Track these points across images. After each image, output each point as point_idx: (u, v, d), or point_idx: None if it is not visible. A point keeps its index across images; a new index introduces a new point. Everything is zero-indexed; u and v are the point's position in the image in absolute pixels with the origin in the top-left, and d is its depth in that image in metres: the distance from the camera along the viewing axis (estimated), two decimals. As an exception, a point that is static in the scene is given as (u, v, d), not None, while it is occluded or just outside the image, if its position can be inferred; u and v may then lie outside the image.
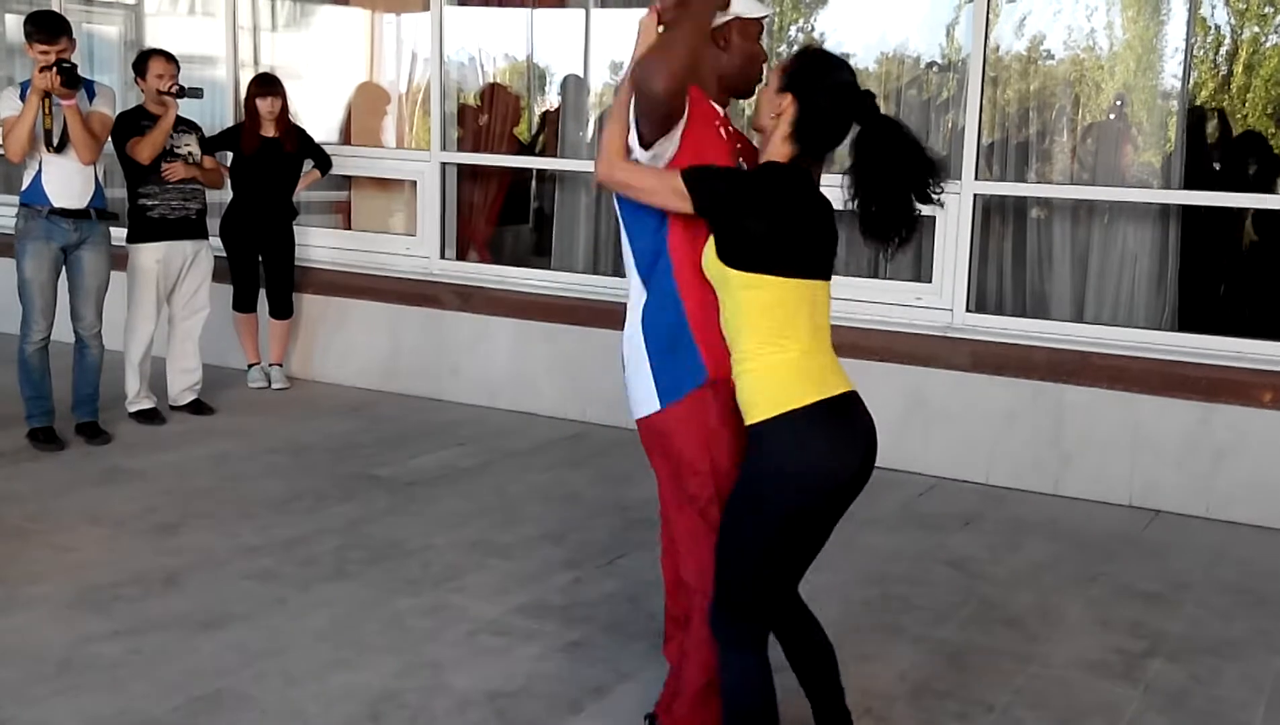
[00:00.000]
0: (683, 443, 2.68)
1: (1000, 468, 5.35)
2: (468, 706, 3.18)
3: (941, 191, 2.52)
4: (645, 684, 3.28)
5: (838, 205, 2.62)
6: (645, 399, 2.70)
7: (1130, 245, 5.65)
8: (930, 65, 6.34)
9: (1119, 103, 5.89)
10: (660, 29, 2.65)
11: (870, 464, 2.56)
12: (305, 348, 7.02)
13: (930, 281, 5.59)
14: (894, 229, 2.54)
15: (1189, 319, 5.56)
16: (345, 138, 7.74)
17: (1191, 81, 6.06)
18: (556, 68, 7.71)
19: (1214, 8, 6.48)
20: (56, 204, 5.36)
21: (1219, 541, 4.74)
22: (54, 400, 5.53)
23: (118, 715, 3.08)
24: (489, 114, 7.40)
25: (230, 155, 6.56)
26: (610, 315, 5.73)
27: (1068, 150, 5.91)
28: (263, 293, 6.71)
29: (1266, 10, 6.48)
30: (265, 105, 6.43)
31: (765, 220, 2.49)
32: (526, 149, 7.71)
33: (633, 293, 2.75)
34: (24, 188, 5.41)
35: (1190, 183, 5.52)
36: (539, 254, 7.44)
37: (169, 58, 5.83)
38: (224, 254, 6.52)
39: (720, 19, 2.69)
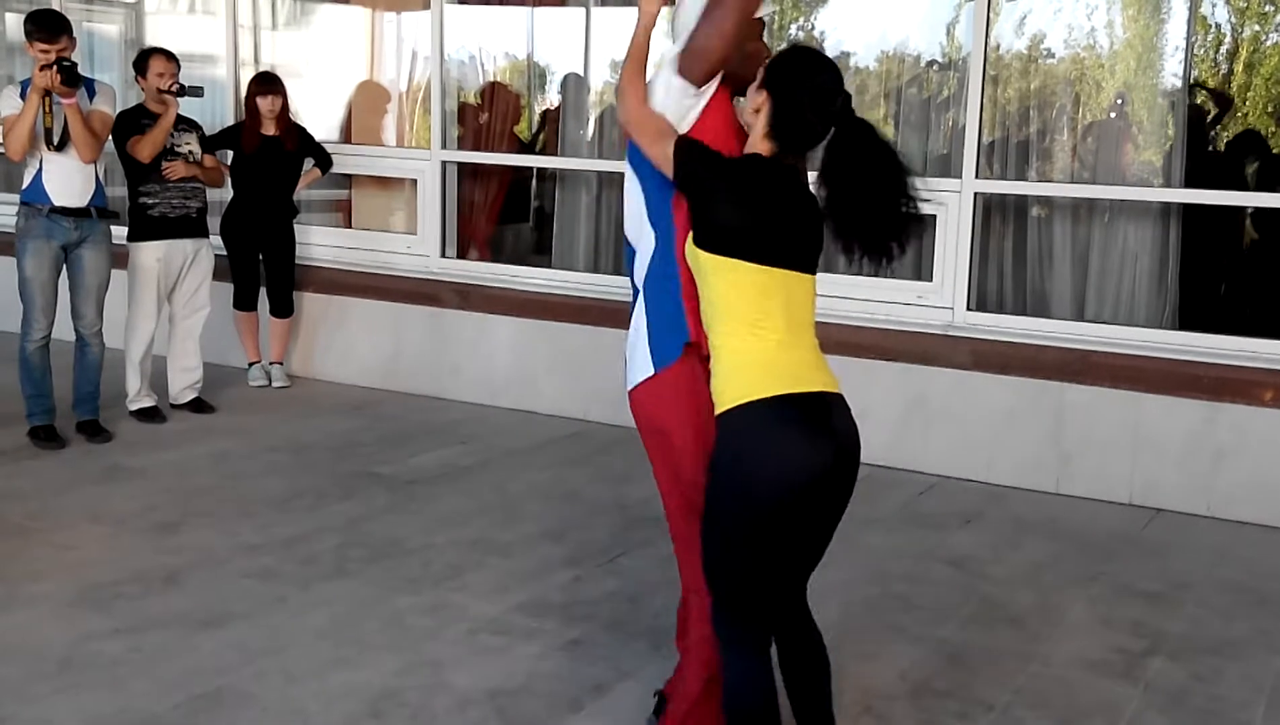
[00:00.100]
0: (672, 411, 2.69)
1: (1001, 467, 5.35)
2: (468, 705, 3.18)
3: (913, 201, 2.46)
4: (646, 682, 3.28)
5: None
6: (641, 365, 2.73)
7: (1131, 244, 5.65)
8: (931, 64, 6.34)
9: (1119, 101, 5.89)
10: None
11: (849, 466, 2.50)
12: (306, 346, 7.02)
13: (931, 280, 5.59)
14: (865, 234, 2.49)
15: (1189, 318, 5.56)
16: (346, 136, 7.74)
17: (1192, 80, 6.06)
18: (557, 66, 7.72)
19: (1214, 6, 6.48)
20: (57, 202, 5.36)
21: (1220, 541, 4.74)
22: (55, 398, 5.52)
23: (118, 713, 3.08)
24: (489, 112, 7.40)
25: (231, 154, 6.56)
26: (611, 314, 5.74)
27: (1068, 149, 5.91)
28: (263, 291, 6.71)
29: (1267, 9, 6.48)
30: (266, 104, 6.43)
31: (737, 207, 2.50)
32: (527, 147, 7.72)
33: (640, 254, 2.76)
34: (24, 186, 5.41)
35: (1191, 181, 5.52)
36: (539, 252, 7.44)
37: (169, 56, 5.82)
38: (224, 252, 6.52)
39: None
